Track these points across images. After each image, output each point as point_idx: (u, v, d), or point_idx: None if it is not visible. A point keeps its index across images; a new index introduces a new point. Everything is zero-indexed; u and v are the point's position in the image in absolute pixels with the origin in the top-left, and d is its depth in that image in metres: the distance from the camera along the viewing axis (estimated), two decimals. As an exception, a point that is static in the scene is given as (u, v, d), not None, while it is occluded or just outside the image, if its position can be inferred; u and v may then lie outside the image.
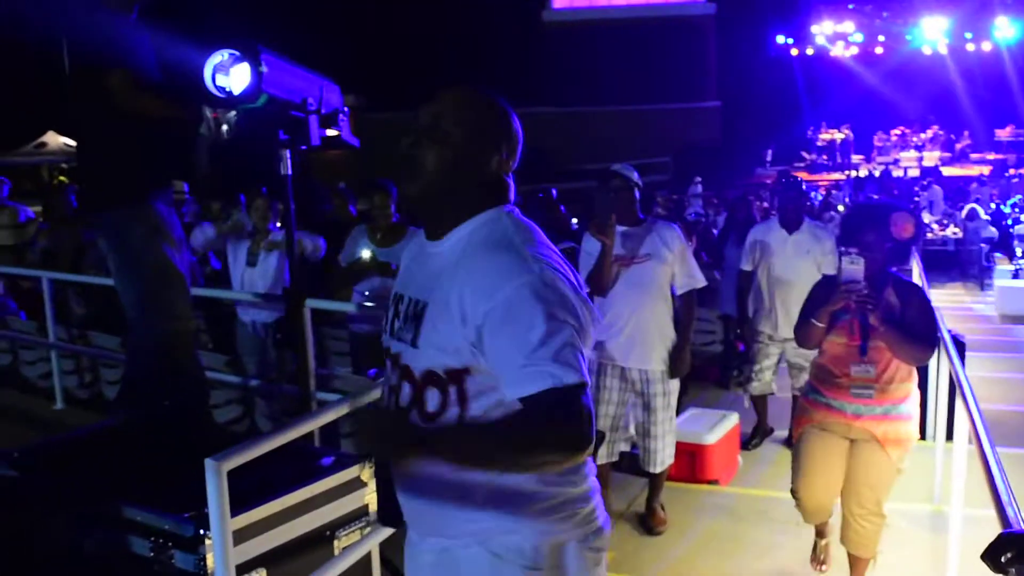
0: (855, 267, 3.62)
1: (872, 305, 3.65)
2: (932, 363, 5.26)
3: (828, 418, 3.91)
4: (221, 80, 3.55)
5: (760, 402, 6.39)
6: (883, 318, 3.69)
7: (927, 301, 3.82)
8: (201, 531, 2.89)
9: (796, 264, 5.99)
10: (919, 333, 3.75)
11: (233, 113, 3.82)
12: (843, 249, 3.72)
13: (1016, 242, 16.88)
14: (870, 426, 3.82)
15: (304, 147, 3.91)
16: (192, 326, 4.11)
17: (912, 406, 3.92)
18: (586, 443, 1.83)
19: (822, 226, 6.45)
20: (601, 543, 2.09)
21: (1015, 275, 14.72)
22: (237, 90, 3.52)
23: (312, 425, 3.02)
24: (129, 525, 3.12)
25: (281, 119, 3.88)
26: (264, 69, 3.49)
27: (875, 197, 19.41)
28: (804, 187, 6.58)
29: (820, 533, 4.20)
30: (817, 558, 4.20)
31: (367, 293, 5.77)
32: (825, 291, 3.86)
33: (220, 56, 3.54)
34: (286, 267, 5.65)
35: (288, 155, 4.08)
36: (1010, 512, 2.36)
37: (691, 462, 5.52)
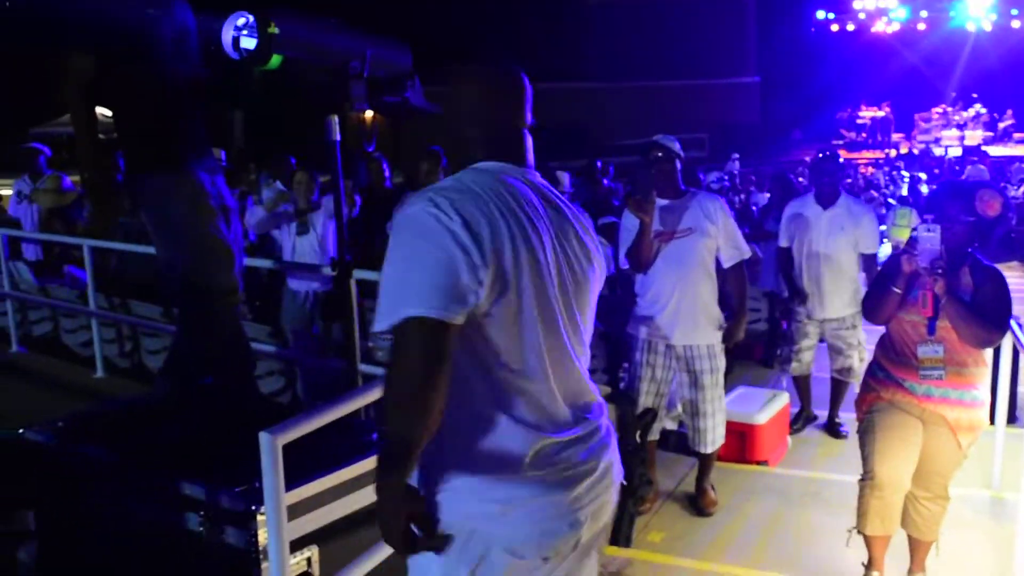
0: (931, 235, 3.50)
1: (941, 271, 3.50)
2: (1001, 346, 5.07)
3: (897, 396, 3.75)
4: (247, 43, 3.49)
5: (803, 385, 6.21)
6: (948, 289, 3.54)
7: (1004, 285, 3.65)
8: (253, 507, 2.81)
9: (831, 241, 5.78)
10: (987, 313, 3.58)
11: None
12: (923, 218, 3.58)
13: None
14: (942, 410, 3.67)
15: (354, 111, 3.81)
16: (236, 298, 4.02)
17: (985, 392, 3.76)
18: (412, 380, 1.74)
19: (860, 202, 6.25)
20: (529, 564, 1.89)
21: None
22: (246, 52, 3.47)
23: (366, 399, 2.92)
24: (177, 499, 3.06)
25: (318, 82, 3.80)
26: (274, 30, 3.40)
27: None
28: (842, 161, 6.34)
29: (874, 564, 3.92)
30: None
31: None
32: (897, 264, 3.71)
33: (243, 19, 3.47)
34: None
35: (335, 121, 3.98)
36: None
37: (741, 442, 5.38)
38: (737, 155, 22.49)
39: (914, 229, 3.64)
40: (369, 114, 4.65)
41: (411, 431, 1.75)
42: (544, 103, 2.10)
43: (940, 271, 3.53)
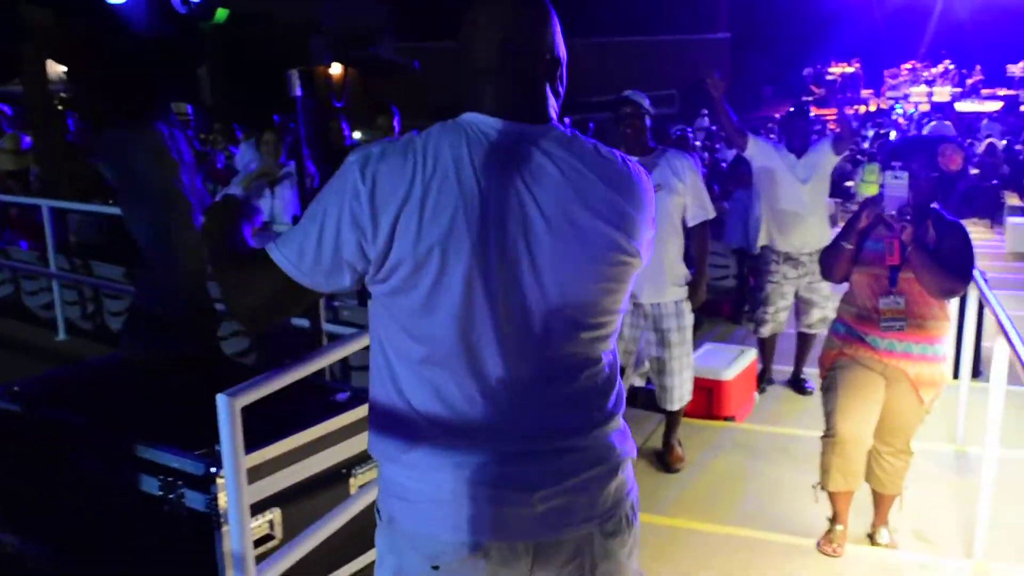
0: (899, 182, 3.48)
1: (909, 218, 3.49)
2: (967, 301, 5.11)
3: (860, 351, 3.76)
4: None
5: (769, 345, 6.21)
6: (915, 237, 3.54)
7: (967, 238, 3.65)
8: (213, 469, 2.77)
9: (803, 187, 5.79)
10: (950, 263, 3.58)
11: None
12: (890, 164, 3.56)
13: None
14: (903, 365, 3.68)
15: (316, 66, 3.73)
16: (202, 255, 3.94)
17: (946, 347, 3.78)
18: (236, 298, 1.72)
19: (819, 142, 6.30)
20: (418, 566, 1.69)
21: (1024, 212, 14.51)
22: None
23: (327, 360, 2.87)
24: (137, 463, 3.01)
25: (278, 37, 3.72)
26: None
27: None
28: (810, 116, 6.43)
29: (838, 518, 3.96)
30: (830, 542, 3.95)
31: None
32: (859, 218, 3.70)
33: None
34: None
35: (296, 76, 3.90)
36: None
37: (708, 398, 5.40)
38: (707, 111, 22.44)
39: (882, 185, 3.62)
40: (338, 70, 4.55)
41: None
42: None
43: (908, 218, 3.52)
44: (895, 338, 3.69)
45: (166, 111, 3.83)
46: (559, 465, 1.69)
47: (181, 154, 3.75)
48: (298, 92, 3.92)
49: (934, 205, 3.74)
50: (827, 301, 5.87)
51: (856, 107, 28.37)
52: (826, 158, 5.82)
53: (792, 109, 6.46)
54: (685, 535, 4.14)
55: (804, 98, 29.49)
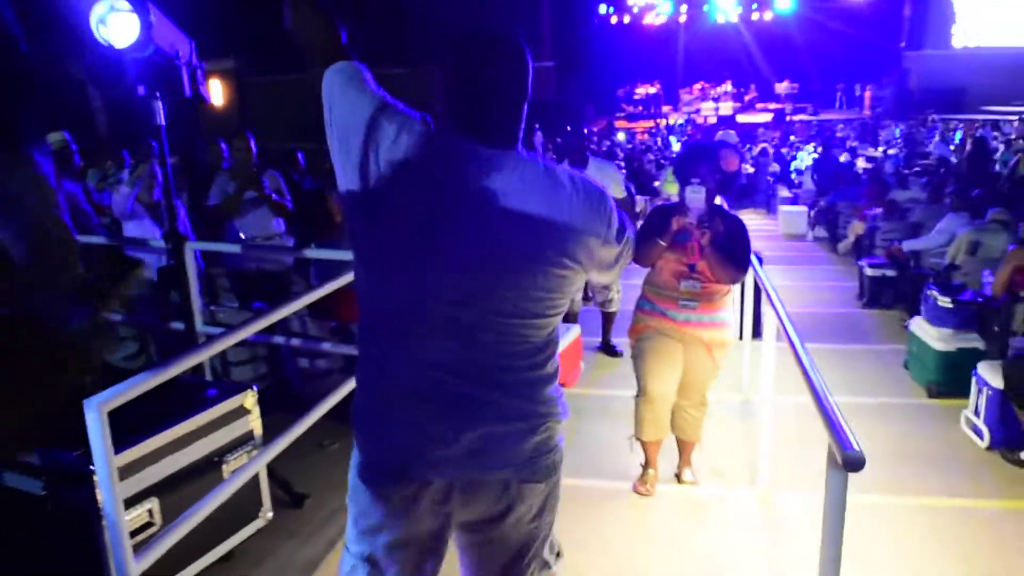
0: (698, 195, 3.51)
1: (707, 225, 3.55)
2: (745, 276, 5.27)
3: (663, 324, 3.82)
4: (102, 31, 3.15)
5: (571, 320, 6.29)
6: (711, 241, 3.60)
7: (745, 231, 3.75)
8: (92, 467, 2.56)
9: None
10: (736, 257, 3.67)
11: None
12: (690, 180, 3.59)
13: (794, 174, 17.49)
14: (698, 332, 3.76)
15: (178, 98, 3.51)
16: (79, 271, 3.65)
17: (730, 315, 3.88)
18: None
19: (603, 160, 6.42)
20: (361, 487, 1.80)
21: (792, 201, 15.25)
22: (117, 40, 3.13)
23: (194, 360, 2.69)
24: (19, 465, 2.76)
25: (158, 70, 3.48)
26: (154, 19, 3.12)
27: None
28: (585, 131, 6.59)
29: (650, 463, 4.06)
30: (644, 483, 4.04)
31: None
32: (659, 217, 3.73)
33: (102, 7, 3.14)
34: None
35: (162, 106, 3.67)
36: (824, 398, 2.29)
37: (542, 369, 5.39)
38: (538, 126, 22.64)
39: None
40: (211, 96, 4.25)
41: None
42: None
43: (707, 225, 3.58)
44: (690, 312, 3.77)
45: (42, 140, 3.54)
46: (479, 417, 1.70)
47: (51, 180, 3.46)
48: (163, 122, 3.69)
49: (719, 201, 3.82)
50: (613, 285, 6.11)
51: (658, 120, 29.21)
52: (605, 177, 5.87)
53: (568, 128, 6.56)
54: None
55: (618, 114, 30.25)
